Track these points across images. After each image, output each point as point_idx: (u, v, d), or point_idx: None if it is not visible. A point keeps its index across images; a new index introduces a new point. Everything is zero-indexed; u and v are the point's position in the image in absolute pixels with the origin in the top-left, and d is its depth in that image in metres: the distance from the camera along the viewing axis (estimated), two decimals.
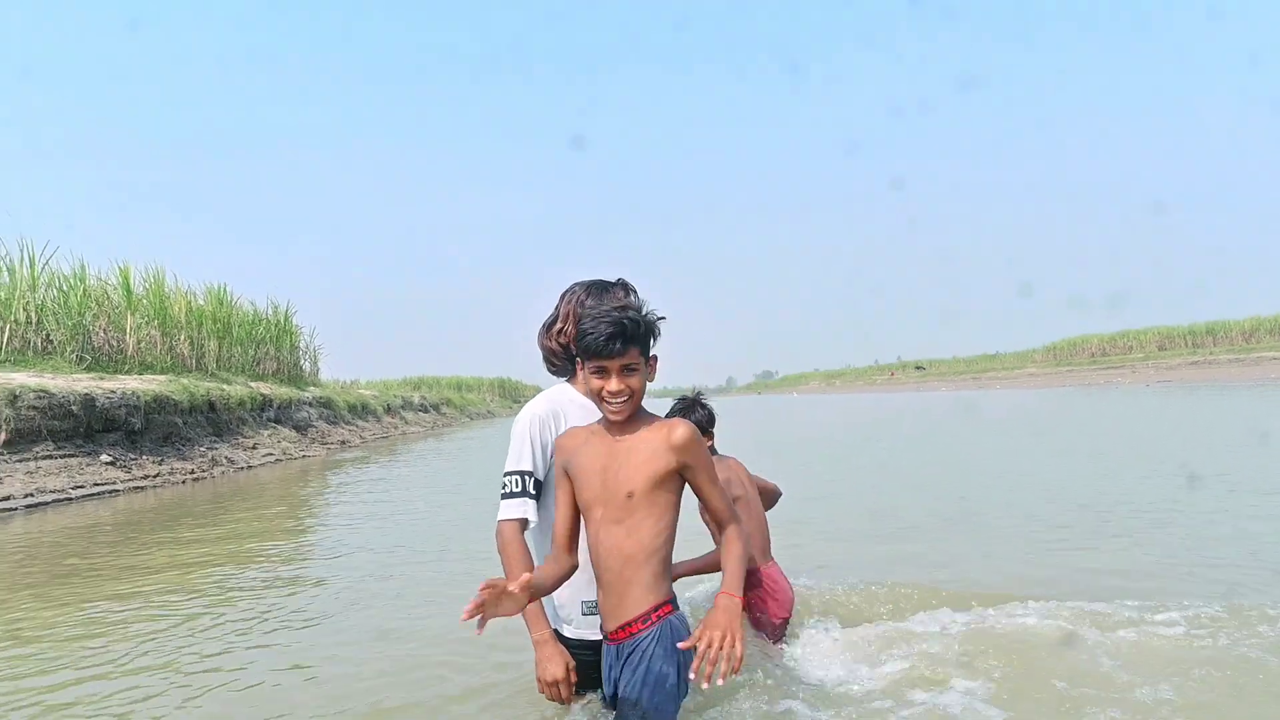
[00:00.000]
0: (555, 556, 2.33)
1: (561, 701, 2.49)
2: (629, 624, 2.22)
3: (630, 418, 2.25)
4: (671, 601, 2.27)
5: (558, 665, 2.45)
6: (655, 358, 2.30)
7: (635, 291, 2.63)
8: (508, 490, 2.52)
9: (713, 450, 3.48)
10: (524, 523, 2.50)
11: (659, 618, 2.22)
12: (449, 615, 4.10)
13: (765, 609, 3.34)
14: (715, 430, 3.53)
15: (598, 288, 2.63)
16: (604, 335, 2.14)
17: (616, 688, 2.27)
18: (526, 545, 2.49)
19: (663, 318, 2.28)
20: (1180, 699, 2.65)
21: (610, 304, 2.32)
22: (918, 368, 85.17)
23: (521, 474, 2.51)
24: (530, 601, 2.16)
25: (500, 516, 2.50)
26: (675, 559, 2.41)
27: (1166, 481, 7.70)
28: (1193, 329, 57.60)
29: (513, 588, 1.96)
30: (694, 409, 3.50)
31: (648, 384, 2.26)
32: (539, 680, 2.48)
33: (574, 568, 2.35)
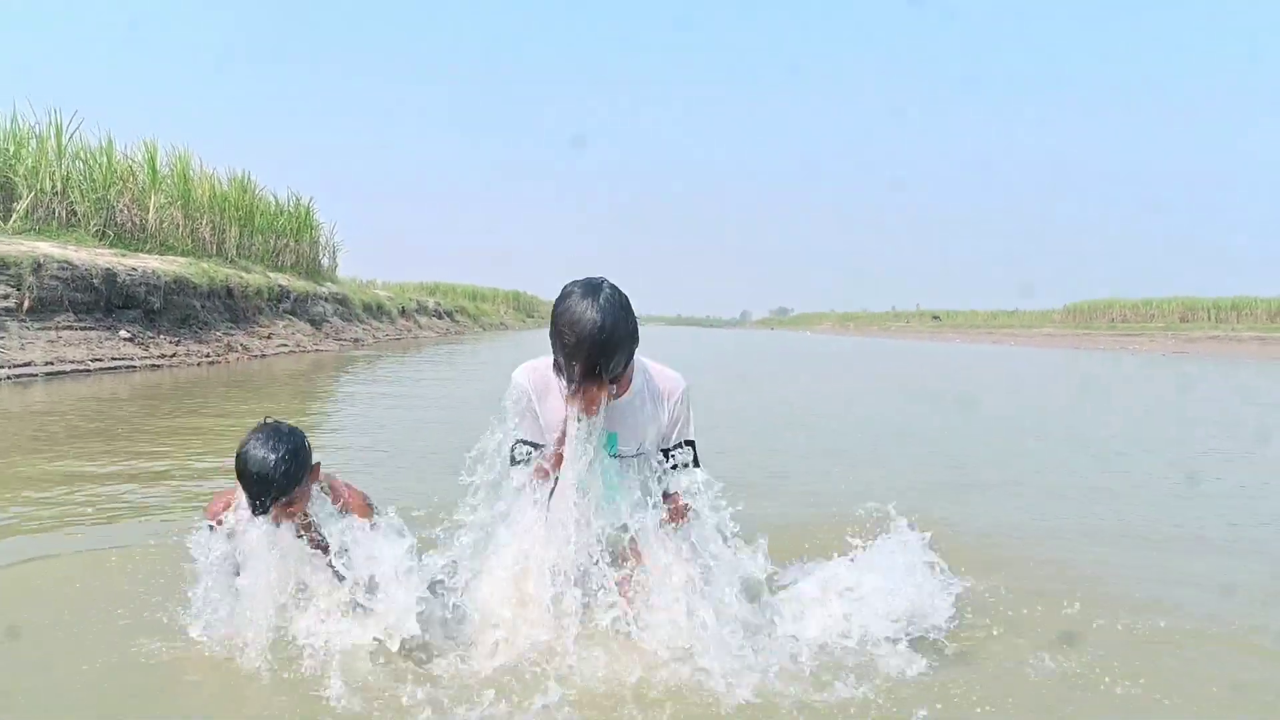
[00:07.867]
0: None
1: None
2: None
3: None
4: None
5: None
6: (317, 464, 2.32)
7: (617, 297, 2.19)
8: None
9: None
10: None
11: None
12: None
13: None
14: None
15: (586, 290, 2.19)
16: (254, 500, 2.15)
17: None
18: None
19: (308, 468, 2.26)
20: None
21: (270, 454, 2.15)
22: (934, 317, 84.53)
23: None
24: None
25: None
26: None
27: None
28: (1218, 303, 56.57)
29: None
30: None
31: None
32: None
33: None
